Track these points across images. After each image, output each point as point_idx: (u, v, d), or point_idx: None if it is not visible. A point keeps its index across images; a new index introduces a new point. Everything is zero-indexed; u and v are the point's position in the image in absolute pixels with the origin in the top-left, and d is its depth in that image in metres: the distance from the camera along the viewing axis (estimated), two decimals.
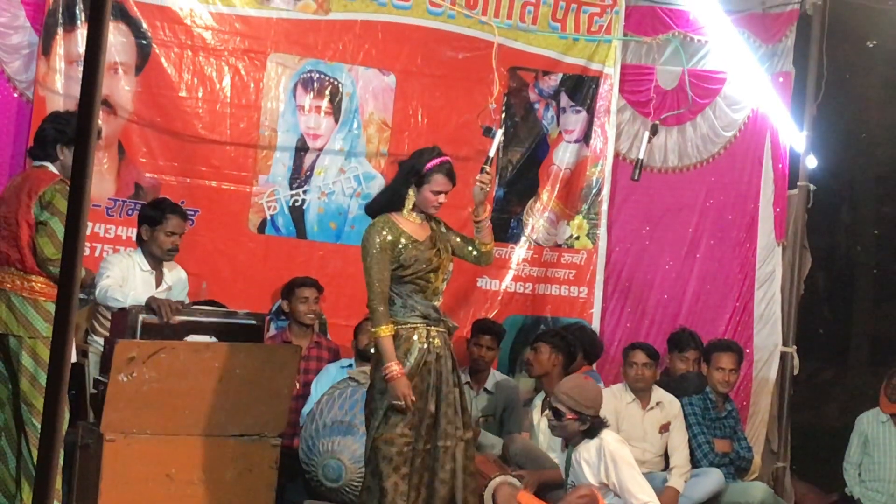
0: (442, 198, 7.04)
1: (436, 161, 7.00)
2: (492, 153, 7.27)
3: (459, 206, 7.28)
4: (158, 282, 7.93)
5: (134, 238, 8.17)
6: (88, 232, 8.07)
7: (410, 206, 7.02)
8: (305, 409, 8.52)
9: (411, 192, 7.01)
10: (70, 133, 7.02)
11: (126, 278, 7.73)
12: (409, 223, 7.01)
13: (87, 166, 3.36)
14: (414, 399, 6.84)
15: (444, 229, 7.18)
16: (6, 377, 7.01)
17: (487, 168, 7.17)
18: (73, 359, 7.18)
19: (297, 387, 8.37)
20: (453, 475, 6.92)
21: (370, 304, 6.85)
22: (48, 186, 6.87)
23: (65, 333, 3.35)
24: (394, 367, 6.77)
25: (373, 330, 6.87)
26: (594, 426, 7.23)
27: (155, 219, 7.92)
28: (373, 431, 6.90)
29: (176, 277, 8.09)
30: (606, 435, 7.24)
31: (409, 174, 7.01)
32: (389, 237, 6.90)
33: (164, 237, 7.92)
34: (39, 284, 6.87)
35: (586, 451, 7.16)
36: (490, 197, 9.38)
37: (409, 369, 6.86)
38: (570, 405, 7.17)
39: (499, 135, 7.46)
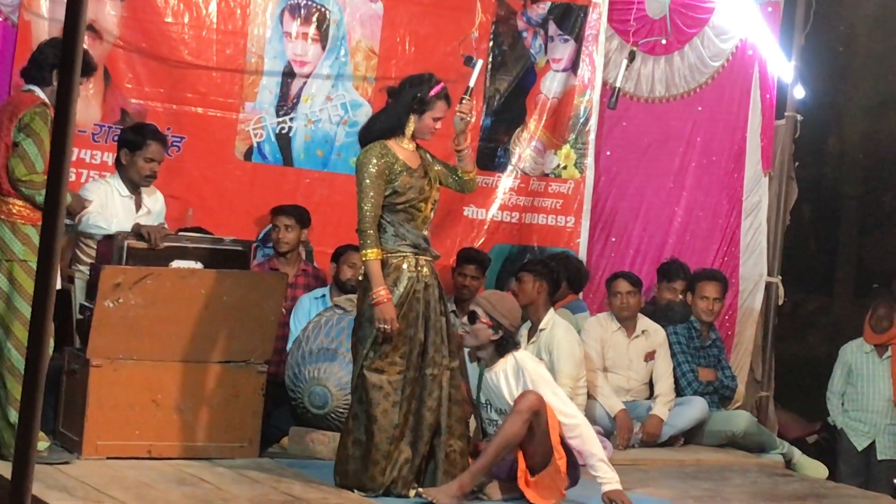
0: (439, 124, 7.08)
1: (437, 88, 7.04)
2: (472, 83, 7.26)
3: (448, 136, 7.27)
4: (138, 206, 7.92)
5: None
6: (74, 158, 8.05)
7: (410, 134, 7.04)
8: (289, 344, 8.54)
9: (412, 118, 7.03)
10: None
11: (105, 205, 7.72)
12: (403, 150, 7.03)
13: (72, 92, 3.34)
14: (399, 325, 6.88)
15: (430, 158, 7.20)
16: None
17: (467, 98, 7.19)
18: (58, 285, 7.18)
19: (284, 313, 8.40)
20: (440, 403, 6.97)
21: (360, 226, 6.87)
22: (28, 109, 6.84)
23: (50, 259, 3.34)
24: (381, 293, 6.81)
25: (361, 252, 6.89)
26: (506, 340, 7.04)
27: (135, 144, 7.89)
28: (361, 360, 6.93)
29: (155, 201, 8.08)
30: (521, 354, 7.11)
31: (412, 101, 7.01)
32: (385, 162, 6.92)
33: (144, 163, 7.89)
34: (17, 207, 6.84)
35: (503, 371, 7.07)
36: (474, 125, 9.37)
37: (399, 298, 6.90)
38: (487, 309, 7.05)
39: (479, 65, 7.45)
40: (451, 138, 7.23)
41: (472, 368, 7.35)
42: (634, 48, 10.05)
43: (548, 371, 7.22)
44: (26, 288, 6.72)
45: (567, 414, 6.90)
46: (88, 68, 7.22)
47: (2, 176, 6.84)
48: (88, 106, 8.69)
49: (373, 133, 7.09)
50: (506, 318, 7.04)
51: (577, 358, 8.67)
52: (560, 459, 6.88)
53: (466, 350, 7.30)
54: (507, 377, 7.03)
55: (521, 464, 6.93)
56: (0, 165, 6.85)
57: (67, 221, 7.48)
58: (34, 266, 6.44)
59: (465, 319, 7.17)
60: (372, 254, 6.84)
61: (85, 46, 7.11)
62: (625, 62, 9.97)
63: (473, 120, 7.29)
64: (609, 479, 6.91)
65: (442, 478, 6.94)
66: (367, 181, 6.89)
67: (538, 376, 6.95)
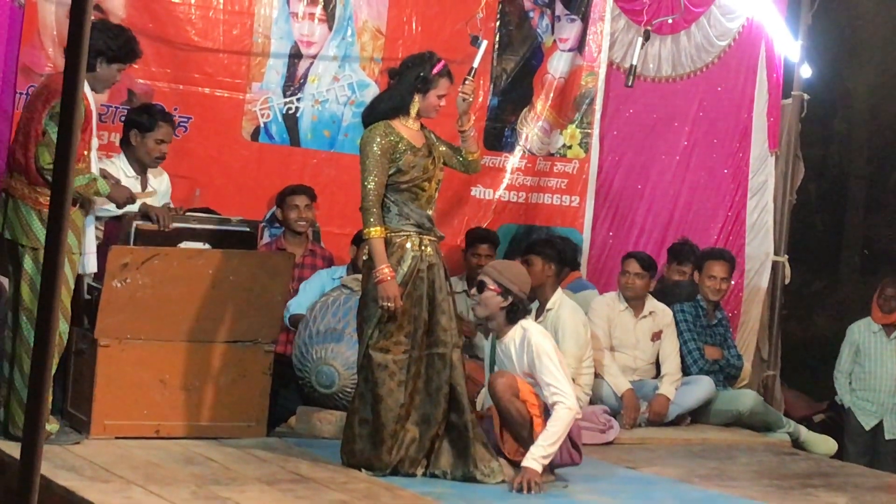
0: (444, 101, 7.10)
1: (439, 65, 7.06)
2: (476, 64, 7.27)
3: (452, 116, 7.28)
4: (144, 186, 7.94)
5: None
6: None
7: (415, 113, 7.05)
8: (290, 303, 8.51)
9: (417, 98, 7.04)
10: (116, 50, 7.00)
11: None
12: (407, 129, 7.05)
13: (78, 73, 3.36)
14: (403, 304, 6.90)
15: (434, 138, 7.21)
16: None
17: (470, 79, 7.20)
18: (95, 269, 7.22)
19: (291, 294, 8.42)
20: (452, 380, 6.98)
21: (364, 204, 6.88)
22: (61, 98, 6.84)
23: (58, 244, 3.36)
24: (385, 270, 6.82)
25: (364, 231, 6.90)
26: (515, 306, 7.02)
27: (146, 125, 7.91)
28: (366, 339, 6.95)
29: (160, 182, 8.10)
30: (530, 325, 7.09)
31: (416, 81, 7.03)
32: (389, 141, 6.93)
33: (154, 145, 7.91)
34: (46, 197, 6.82)
35: (512, 341, 7.06)
36: (476, 106, 9.37)
37: (403, 277, 6.91)
38: (494, 277, 7.01)
39: (483, 45, 7.46)
40: (455, 119, 7.24)
41: (487, 344, 7.37)
42: (649, 27, 10.04)
43: (553, 344, 7.17)
44: None
45: (557, 390, 6.83)
46: (133, 55, 7.23)
47: (30, 165, 6.85)
48: None
49: (377, 114, 7.09)
50: (514, 284, 7.02)
51: (581, 338, 8.67)
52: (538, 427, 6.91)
53: (479, 325, 7.33)
54: (515, 347, 7.02)
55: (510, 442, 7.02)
56: (30, 154, 6.86)
57: (108, 209, 7.53)
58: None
59: (474, 291, 7.17)
60: (375, 232, 6.86)
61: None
62: (640, 41, 9.96)
63: (478, 100, 7.27)
64: (533, 455, 6.78)
65: (481, 449, 6.96)
66: (371, 160, 6.90)
67: (542, 350, 6.92)
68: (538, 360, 6.89)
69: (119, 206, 7.26)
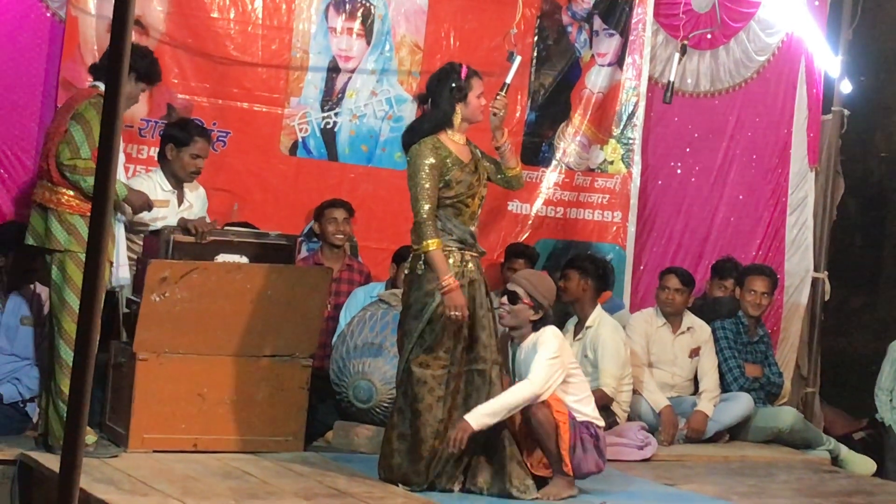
0: (483, 99, 7.12)
1: (464, 69, 7.08)
2: (508, 79, 7.28)
3: (490, 131, 7.27)
4: (180, 200, 7.98)
5: None
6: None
7: (458, 123, 7.05)
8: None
9: (458, 108, 7.04)
10: (141, 68, 7.05)
11: None
12: (454, 144, 7.05)
13: (119, 87, 3.36)
14: (469, 312, 6.89)
15: (479, 153, 7.20)
16: None
17: (502, 94, 7.20)
18: (125, 281, 7.26)
19: (329, 308, 8.42)
20: (491, 397, 6.94)
21: (419, 217, 6.87)
22: (84, 101, 6.93)
23: (98, 253, 3.36)
24: (450, 280, 6.82)
25: (425, 243, 6.85)
26: (544, 319, 7.08)
27: (182, 140, 7.94)
28: (406, 354, 6.94)
29: (196, 195, 8.12)
30: (548, 329, 7.11)
31: (451, 93, 7.03)
32: (440, 155, 6.95)
33: (189, 159, 7.94)
34: (66, 197, 6.90)
35: (529, 343, 7.04)
36: (514, 121, 9.37)
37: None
38: (528, 290, 7.03)
39: (517, 61, 7.46)
40: (491, 134, 7.23)
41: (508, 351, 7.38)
42: (685, 42, 10.01)
43: (560, 345, 7.14)
44: (75, 280, 6.78)
45: (535, 376, 6.83)
46: (157, 77, 7.29)
47: (52, 165, 6.93)
48: None
49: (420, 134, 7.07)
50: (546, 299, 7.06)
51: (621, 357, 8.65)
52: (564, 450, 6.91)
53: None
54: (530, 349, 7.02)
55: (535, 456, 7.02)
56: (52, 156, 6.93)
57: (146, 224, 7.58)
58: (83, 257, 6.54)
59: (504, 299, 7.16)
60: (433, 244, 6.84)
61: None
62: (677, 55, 9.93)
63: (515, 115, 7.24)
64: (478, 411, 6.79)
65: (517, 466, 6.95)
66: (423, 174, 6.89)
67: (542, 344, 6.94)
68: (535, 351, 6.90)
69: (135, 211, 7.30)
